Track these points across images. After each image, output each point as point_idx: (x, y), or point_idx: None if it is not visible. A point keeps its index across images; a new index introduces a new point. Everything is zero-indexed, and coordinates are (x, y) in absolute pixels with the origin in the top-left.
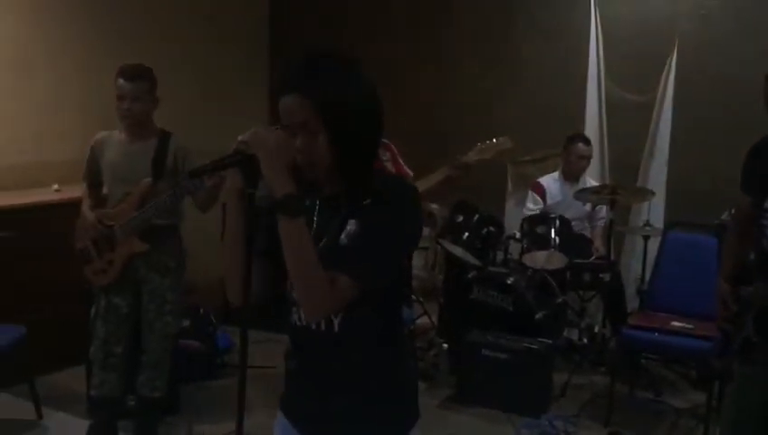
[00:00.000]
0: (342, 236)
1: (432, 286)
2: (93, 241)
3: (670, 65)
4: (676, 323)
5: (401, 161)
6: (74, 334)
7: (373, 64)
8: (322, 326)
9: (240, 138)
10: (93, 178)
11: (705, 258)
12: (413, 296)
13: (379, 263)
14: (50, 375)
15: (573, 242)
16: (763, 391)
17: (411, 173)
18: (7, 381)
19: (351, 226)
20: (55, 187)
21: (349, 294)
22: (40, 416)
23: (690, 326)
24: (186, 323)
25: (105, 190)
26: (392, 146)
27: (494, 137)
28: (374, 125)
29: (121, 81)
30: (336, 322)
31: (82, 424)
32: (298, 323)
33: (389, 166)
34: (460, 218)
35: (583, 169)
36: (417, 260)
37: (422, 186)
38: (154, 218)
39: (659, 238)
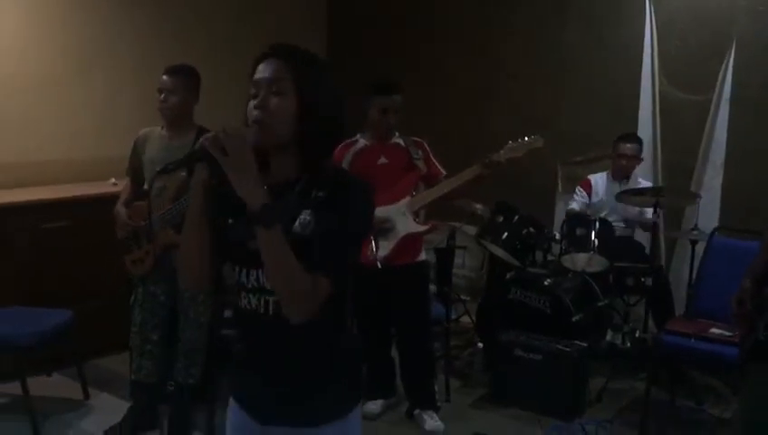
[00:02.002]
0: (296, 224)
1: (479, 287)
2: (133, 232)
3: (728, 64)
4: (714, 330)
5: (434, 160)
6: (121, 321)
7: (425, 63)
8: (270, 310)
9: (204, 137)
10: (135, 172)
11: None
12: (456, 295)
13: (350, 261)
14: (98, 360)
15: (616, 245)
16: None
17: (444, 172)
18: (58, 364)
19: (306, 216)
20: (113, 181)
21: (327, 292)
22: (87, 396)
23: (729, 334)
24: (229, 313)
25: (146, 186)
26: (425, 144)
27: (527, 135)
28: (337, 122)
29: (163, 76)
30: None
31: (125, 406)
32: (247, 307)
33: (421, 164)
34: (501, 219)
35: (630, 170)
36: (467, 261)
37: (453, 183)
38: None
39: None
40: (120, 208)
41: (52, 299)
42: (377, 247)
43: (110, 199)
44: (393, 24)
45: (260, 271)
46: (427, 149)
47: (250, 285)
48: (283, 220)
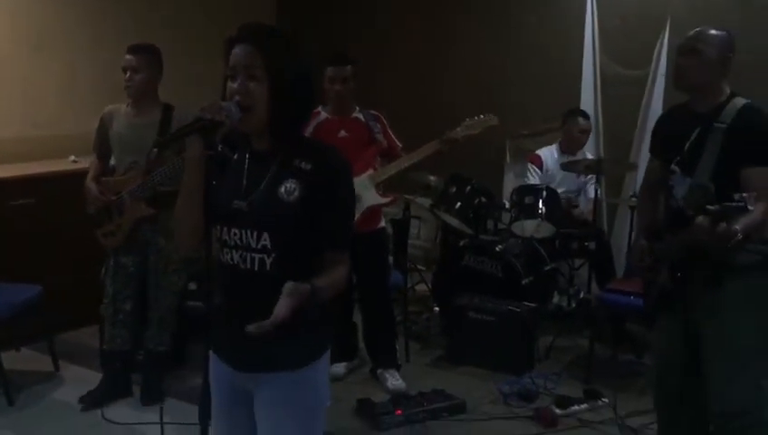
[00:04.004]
0: (281, 190)
1: (433, 256)
2: (104, 206)
3: (662, 41)
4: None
5: (391, 133)
6: (89, 295)
7: (370, 37)
8: (256, 266)
9: (202, 109)
10: (102, 148)
11: None
12: (412, 265)
13: (352, 228)
14: (67, 333)
15: (561, 212)
16: (680, 335)
17: (400, 145)
18: (27, 338)
19: (291, 184)
20: (72, 158)
21: (348, 263)
22: (57, 368)
23: None
24: (193, 286)
25: (113, 161)
26: (382, 118)
27: (482, 113)
28: (308, 94)
29: (126, 55)
30: (269, 262)
31: (96, 376)
32: (230, 262)
33: (380, 137)
34: (454, 189)
35: (583, 144)
36: (422, 231)
37: (414, 158)
38: (160, 185)
39: None
40: (90, 184)
41: (20, 274)
42: None
43: (73, 176)
44: None
45: (242, 230)
46: (385, 122)
47: (232, 243)
48: (264, 183)
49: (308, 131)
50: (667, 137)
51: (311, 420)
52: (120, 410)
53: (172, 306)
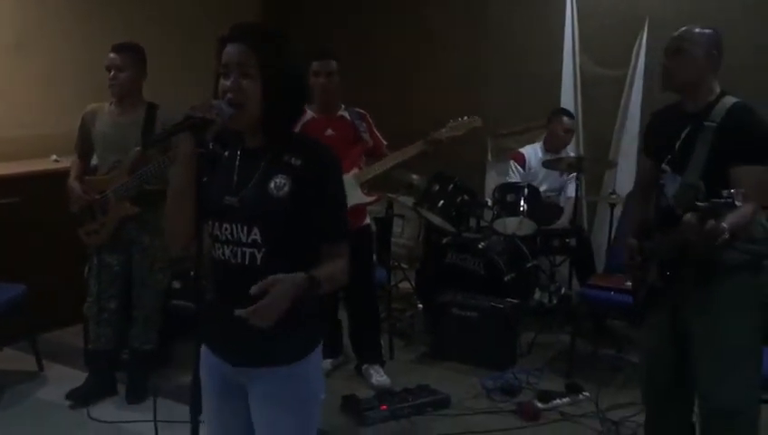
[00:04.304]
0: (271, 186)
1: (416, 255)
2: (87, 205)
3: (641, 41)
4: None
5: (376, 131)
6: (73, 294)
7: (352, 37)
8: (246, 260)
9: (192, 107)
10: (84, 147)
11: None
12: (395, 263)
13: (346, 220)
14: (51, 332)
15: (543, 210)
16: (669, 333)
17: (385, 143)
18: (11, 338)
19: (281, 180)
20: (54, 157)
21: (348, 252)
22: (41, 368)
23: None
24: (177, 284)
25: (95, 160)
26: (368, 116)
27: (466, 115)
28: (300, 90)
29: (110, 54)
30: (259, 256)
31: (80, 375)
32: (221, 257)
33: (367, 137)
34: (437, 187)
35: (567, 143)
36: (405, 230)
37: (398, 158)
38: (145, 184)
39: None
40: (73, 183)
41: (3, 274)
42: None
43: (55, 176)
44: None
45: (233, 225)
46: (370, 120)
47: (223, 238)
48: (255, 180)
49: (295, 130)
50: (658, 137)
51: (306, 413)
52: (106, 409)
53: (157, 305)
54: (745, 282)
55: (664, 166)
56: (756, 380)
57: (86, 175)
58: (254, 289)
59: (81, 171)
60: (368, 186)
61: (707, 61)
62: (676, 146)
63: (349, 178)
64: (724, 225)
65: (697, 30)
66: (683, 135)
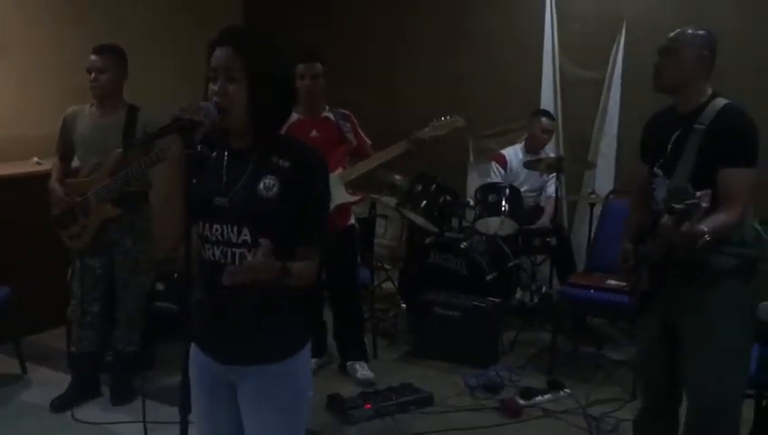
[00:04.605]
0: (260, 186)
1: (399, 255)
2: (68, 208)
3: (619, 43)
4: (611, 282)
5: (360, 132)
6: (56, 297)
7: (336, 38)
8: (236, 261)
9: (181, 108)
10: (65, 150)
11: None
12: (378, 263)
13: (326, 226)
14: (34, 335)
15: (523, 210)
16: (659, 335)
17: (369, 142)
18: None
19: (269, 180)
20: (35, 159)
21: (318, 259)
22: (24, 371)
23: (623, 284)
24: (161, 287)
25: (76, 162)
26: (352, 117)
27: (449, 115)
28: (287, 93)
29: (90, 55)
30: (249, 256)
31: (64, 378)
32: (211, 258)
33: (351, 137)
34: (419, 188)
35: (546, 143)
36: (388, 230)
37: (382, 158)
38: (126, 186)
39: None
40: (54, 185)
41: None
42: None
43: (37, 178)
44: None
45: (223, 225)
46: (354, 121)
47: (213, 238)
48: (243, 180)
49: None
50: (653, 140)
51: (295, 411)
52: (90, 411)
53: (140, 307)
54: (735, 285)
55: (656, 169)
56: (743, 381)
57: (68, 177)
58: (262, 241)
59: (62, 173)
60: (352, 186)
61: (697, 62)
62: (668, 149)
63: (333, 178)
64: (703, 227)
65: (690, 31)
66: (673, 138)
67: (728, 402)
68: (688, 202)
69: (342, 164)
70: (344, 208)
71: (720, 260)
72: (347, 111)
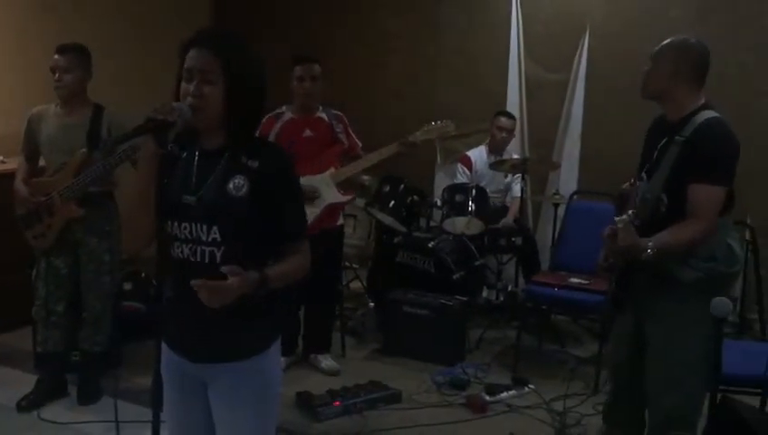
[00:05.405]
0: (230, 186)
1: (367, 254)
2: (33, 208)
3: (582, 46)
4: (574, 280)
5: (352, 133)
6: (21, 298)
7: (306, 38)
8: (206, 258)
9: (154, 110)
10: (30, 150)
11: (604, 223)
12: (347, 263)
13: (304, 218)
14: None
15: (489, 210)
16: (627, 337)
17: (360, 144)
18: None
19: (239, 180)
20: (0, 158)
21: (308, 249)
22: None
23: (586, 282)
24: (128, 286)
25: (42, 162)
26: (344, 118)
27: (439, 119)
28: (260, 95)
29: (55, 55)
30: (219, 254)
31: (29, 378)
32: (180, 256)
33: (343, 138)
34: (387, 188)
35: (505, 142)
36: (357, 230)
37: (374, 159)
38: (90, 186)
39: None
40: (19, 185)
41: None
42: None
43: (1, 177)
44: None
45: (192, 223)
46: (346, 122)
47: (182, 236)
48: (213, 179)
49: (274, 131)
50: (645, 145)
51: (265, 407)
52: (57, 411)
53: (107, 306)
54: (699, 298)
55: (642, 174)
56: (703, 389)
57: (35, 177)
58: (225, 269)
59: (28, 174)
60: (343, 186)
61: (674, 74)
62: (654, 156)
63: (325, 178)
64: (648, 241)
65: (674, 41)
66: (660, 145)
67: (686, 410)
68: (620, 217)
69: (334, 164)
70: (335, 208)
71: (685, 272)
72: (339, 112)
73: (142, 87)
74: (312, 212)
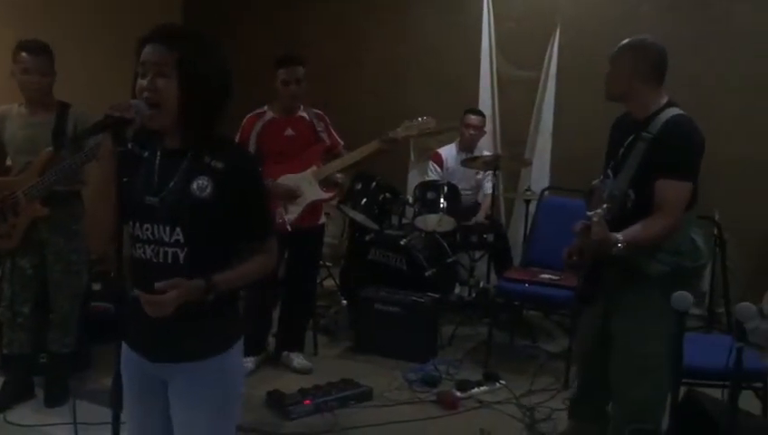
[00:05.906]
0: (194, 187)
1: (340, 252)
2: None
3: (553, 44)
4: (544, 276)
5: (333, 131)
6: None
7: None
8: (169, 259)
9: (111, 106)
10: None
11: (575, 219)
12: (320, 261)
13: (269, 217)
14: None
15: (461, 207)
16: (594, 331)
17: (342, 142)
18: None
19: (203, 181)
20: None
21: (276, 247)
22: None
23: (557, 277)
24: (97, 286)
25: (9, 162)
26: (325, 117)
27: (422, 116)
28: (221, 94)
29: (25, 55)
30: (182, 256)
31: None
32: (143, 256)
33: (325, 136)
34: (359, 186)
35: (475, 140)
36: (329, 228)
37: (355, 156)
38: (56, 185)
39: None
40: None
41: None
42: (286, 212)
43: None
44: None
45: (154, 225)
46: (327, 120)
47: (144, 237)
48: (176, 180)
49: (255, 130)
50: (611, 142)
51: (225, 408)
52: (23, 413)
53: (75, 307)
54: (664, 291)
55: (608, 171)
56: (667, 382)
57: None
58: (158, 285)
59: None
60: (324, 183)
61: (632, 74)
62: (620, 153)
63: (307, 176)
64: (618, 236)
65: (628, 42)
66: (626, 143)
67: (650, 403)
68: (591, 213)
69: (316, 162)
70: (317, 206)
71: (652, 266)
72: (320, 111)
73: (118, 88)
74: (294, 210)
